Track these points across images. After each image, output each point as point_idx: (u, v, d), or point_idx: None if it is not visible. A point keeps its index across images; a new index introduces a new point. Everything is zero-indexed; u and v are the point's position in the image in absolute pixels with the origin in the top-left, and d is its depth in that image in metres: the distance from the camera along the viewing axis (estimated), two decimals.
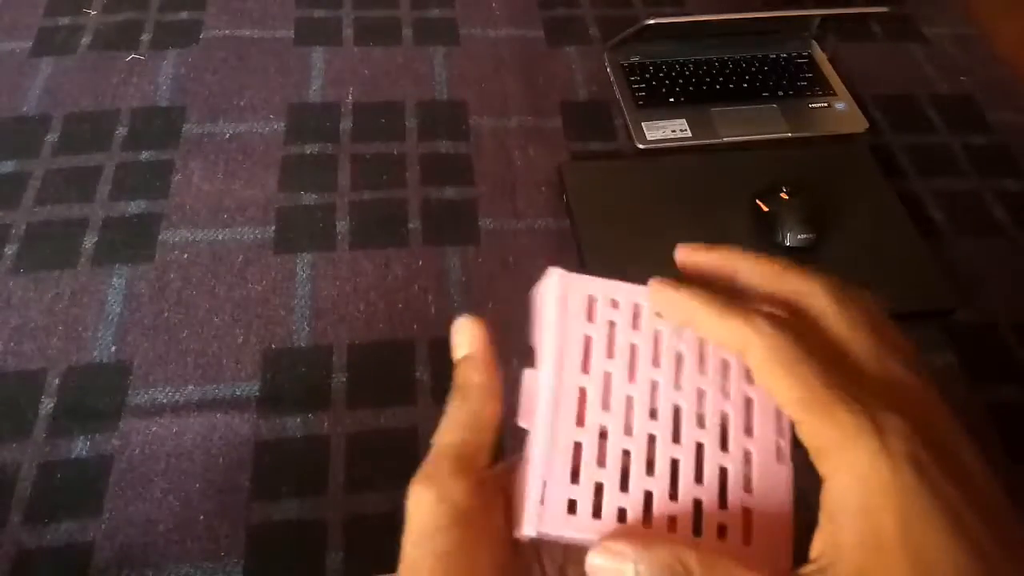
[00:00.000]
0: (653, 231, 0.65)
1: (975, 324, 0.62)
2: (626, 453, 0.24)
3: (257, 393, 0.55)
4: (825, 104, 0.77)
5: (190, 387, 0.55)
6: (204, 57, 0.76)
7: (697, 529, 0.23)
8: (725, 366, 0.25)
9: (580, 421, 0.24)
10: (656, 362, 0.25)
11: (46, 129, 0.69)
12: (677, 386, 0.24)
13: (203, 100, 0.72)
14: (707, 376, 0.24)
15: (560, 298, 0.25)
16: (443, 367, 0.57)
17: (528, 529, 0.23)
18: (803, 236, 0.62)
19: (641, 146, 0.72)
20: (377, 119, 0.72)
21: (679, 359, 0.25)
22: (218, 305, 0.59)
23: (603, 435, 0.24)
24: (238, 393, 0.55)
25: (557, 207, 0.67)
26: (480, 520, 0.25)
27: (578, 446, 0.24)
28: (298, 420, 0.54)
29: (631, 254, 0.63)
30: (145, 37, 0.77)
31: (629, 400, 0.24)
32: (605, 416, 0.24)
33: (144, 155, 0.68)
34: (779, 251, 0.63)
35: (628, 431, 0.24)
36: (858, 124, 0.75)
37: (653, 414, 0.24)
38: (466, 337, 0.28)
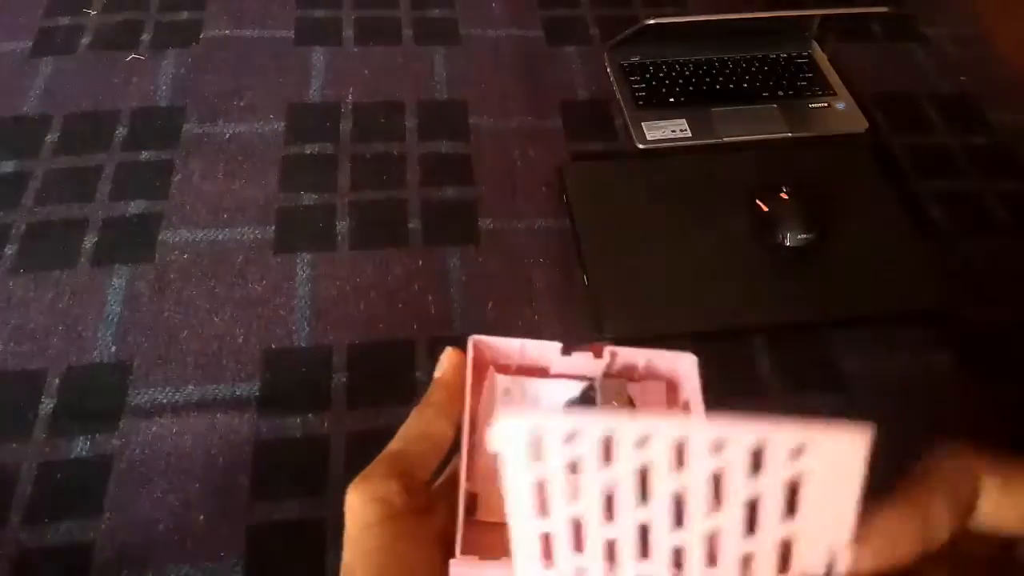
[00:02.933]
0: (653, 231, 0.65)
1: (975, 324, 0.62)
2: None
3: (257, 393, 0.55)
4: (825, 104, 0.77)
5: (190, 387, 0.55)
6: (204, 57, 0.76)
7: None
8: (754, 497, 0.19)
9: (548, 560, 0.21)
10: (647, 498, 0.19)
11: (46, 129, 0.69)
12: (679, 524, 0.19)
13: (203, 100, 0.72)
14: (724, 511, 0.19)
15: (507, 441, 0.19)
16: None
17: None
18: (803, 236, 0.62)
19: (641, 146, 0.72)
20: (377, 119, 0.72)
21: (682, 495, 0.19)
22: (218, 305, 0.59)
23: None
24: (238, 393, 0.55)
25: (557, 207, 0.67)
26: (412, 524, 0.26)
27: None
28: (298, 420, 0.54)
29: (631, 254, 0.64)
30: (145, 37, 0.77)
31: (611, 543, 0.20)
32: (579, 558, 0.20)
33: (144, 155, 0.68)
34: (779, 251, 0.63)
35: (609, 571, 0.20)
36: (858, 124, 0.75)
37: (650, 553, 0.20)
38: (446, 363, 0.30)
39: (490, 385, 0.30)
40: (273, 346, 0.57)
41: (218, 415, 0.53)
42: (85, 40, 0.77)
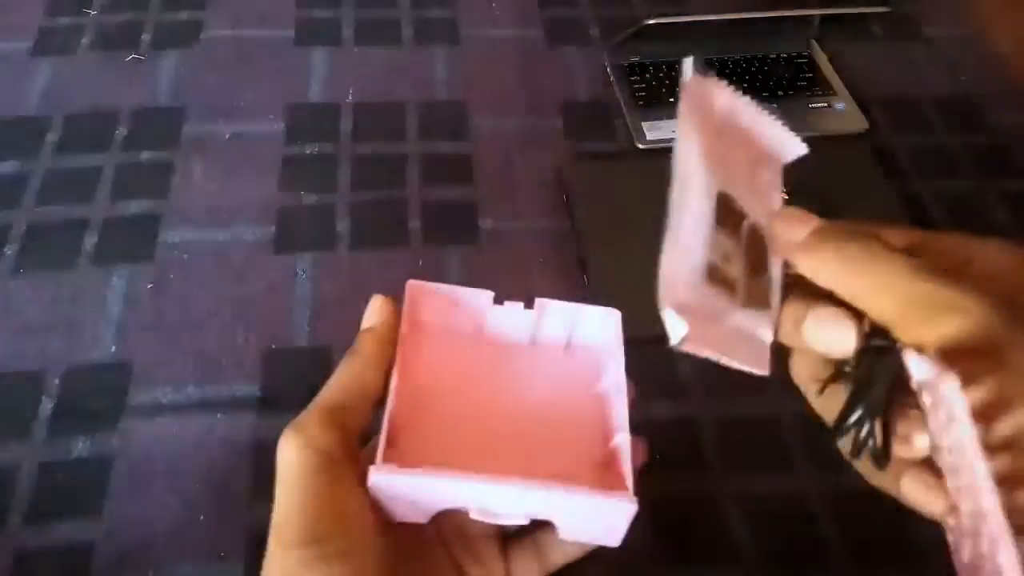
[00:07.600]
0: (654, 231, 0.65)
1: None
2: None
3: (257, 393, 0.55)
4: (825, 104, 0.77)
5: (190, 387, 0.55)
6: (204, 57, 0.76)
7: None
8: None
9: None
10: None
11: (46, 129, 0.69)
12: None
13: (203, 100, 0.72)
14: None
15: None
16: None
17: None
18: None
19: (641, 146, 0.72)
20: (377, 119, 0.72)
21: None
22: (218, 305, 0.59)
23: None
24: (238, 393, 0.55)
25: (557, 207, 0.67)
26: (349, 471, 0.26)
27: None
28: None
29: (631, 254, 0.63)
30: (145, 37, 0.77)
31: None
32: None
33: (144, 155, 0.68)
34: None
35: None
36: (858, 124, 0.75)
37: None
38: (376, 313, 0.31)
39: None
40: (273, 346, 0.57)
41: (218, 415, 0.53)
42: (85, 40, 0.77)
